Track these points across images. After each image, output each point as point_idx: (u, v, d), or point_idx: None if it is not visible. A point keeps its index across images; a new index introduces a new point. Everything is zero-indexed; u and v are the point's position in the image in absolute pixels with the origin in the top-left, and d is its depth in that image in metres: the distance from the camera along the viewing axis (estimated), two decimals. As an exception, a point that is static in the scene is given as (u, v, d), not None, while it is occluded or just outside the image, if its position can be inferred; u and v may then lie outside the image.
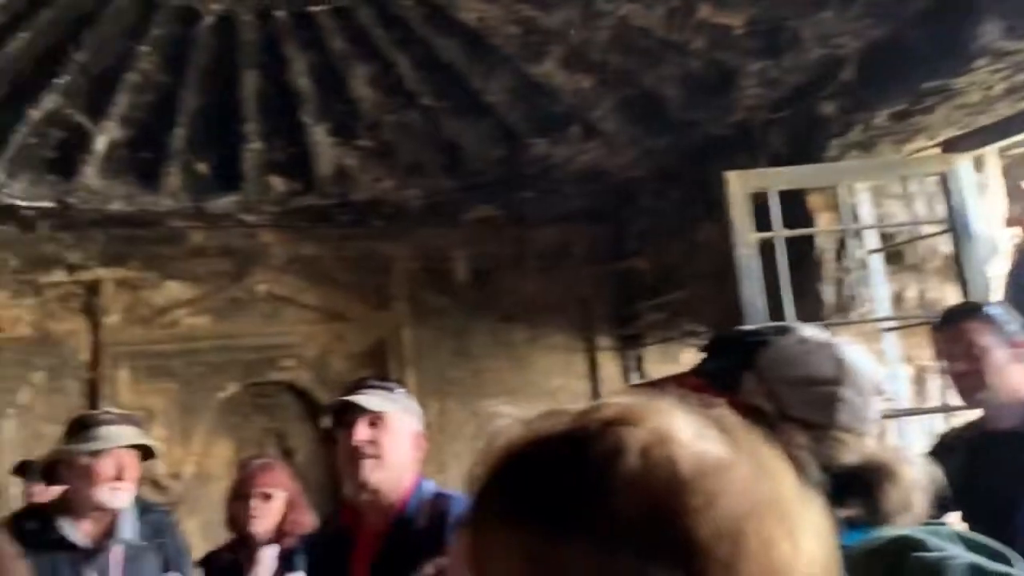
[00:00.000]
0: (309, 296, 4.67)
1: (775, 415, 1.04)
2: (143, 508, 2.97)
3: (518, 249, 4.87)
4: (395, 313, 4.74)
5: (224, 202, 4.16)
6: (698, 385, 1.09)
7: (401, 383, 2.62)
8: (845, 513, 0.97)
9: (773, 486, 0.63)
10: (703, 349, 1.20)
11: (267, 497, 2.88)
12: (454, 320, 4.78)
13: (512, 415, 0.74)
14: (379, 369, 4.56)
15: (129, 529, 2.80)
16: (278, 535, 2.86)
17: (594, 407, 0.67)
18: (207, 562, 3.03)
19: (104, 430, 2.78)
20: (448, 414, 4.66)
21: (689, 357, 4.62)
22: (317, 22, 3.36)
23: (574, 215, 4.79)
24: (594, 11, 3.21)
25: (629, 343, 4.83)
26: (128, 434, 2.81)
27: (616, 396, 0.71)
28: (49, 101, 3.46)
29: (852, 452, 1.03)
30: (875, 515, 0.99)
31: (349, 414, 2.29)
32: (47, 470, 2.87)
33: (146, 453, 2.92)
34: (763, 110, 3.58)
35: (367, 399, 2.26)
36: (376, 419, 2.24)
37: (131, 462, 2.77)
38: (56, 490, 2.94)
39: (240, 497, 2.91)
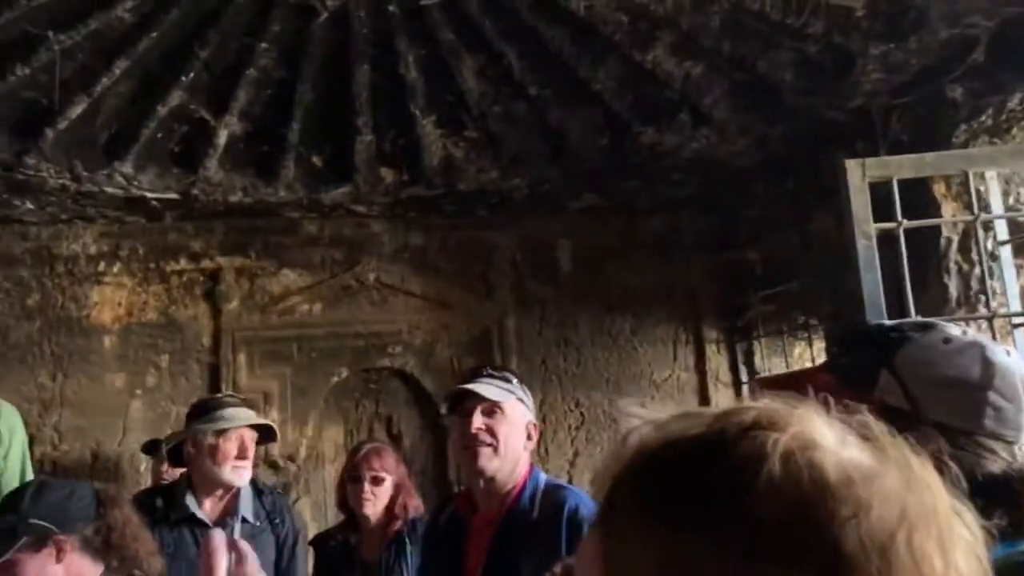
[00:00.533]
0: (416, 284, 4.75)
1: (912, 417, 0.99)
2: (259, 489, 3.10)
3: (624, 238, 4.82)
4: (499, 302, 4.77)
5: (337, 193, 4.27)
6: (829, 382, 1.05)
7: (514, 372, 2.63)
8: (990, 524, 0.92)
9: (923, 497, 0.60)
10: (836, 343, 1.16)
11: (378, 480, 2.95)
12: (558, 310, 4.78)
13: (642, 415, 0.74)
14: (484, 357, 4.61)
15: (248, 508, 2.94)
16: (387, 518, 2.94)
17: (731, 410, 0.66)
18: (319, 543, 3.14)
19: (227, 411, 2.92)
20: (551, 404, 4.67)
21: (801, 351, 4.49)
22: (428, 15, 3.40)
23: (682, 203, 4.70)
24: (706, -4, 3.13)
25: (738, 335, 4.72)
26: (249, 415, 2.94)
27: (754, 399, 0.69)
28: (175, 97, 3.63)
29: (999, 460, 0.97)
30: None
31: (466, 402, 2.32)
32: (173, 450, 3.02)
33: (262, 436, 3.05)
34: (885, 95, 3.41)
35: (484, 388, 2.29)
36: (493, 408, 2.26)
37: (251, 442, 2.90)
38: (180, 470, 3.10)
39: (352, 480, 2.99)
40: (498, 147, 4.14)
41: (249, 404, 3.12)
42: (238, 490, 2.93)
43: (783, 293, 4.34)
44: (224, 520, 2.88)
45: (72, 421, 4.31)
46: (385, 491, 2.96)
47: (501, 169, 4.21)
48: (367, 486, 2.94)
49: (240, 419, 2.92)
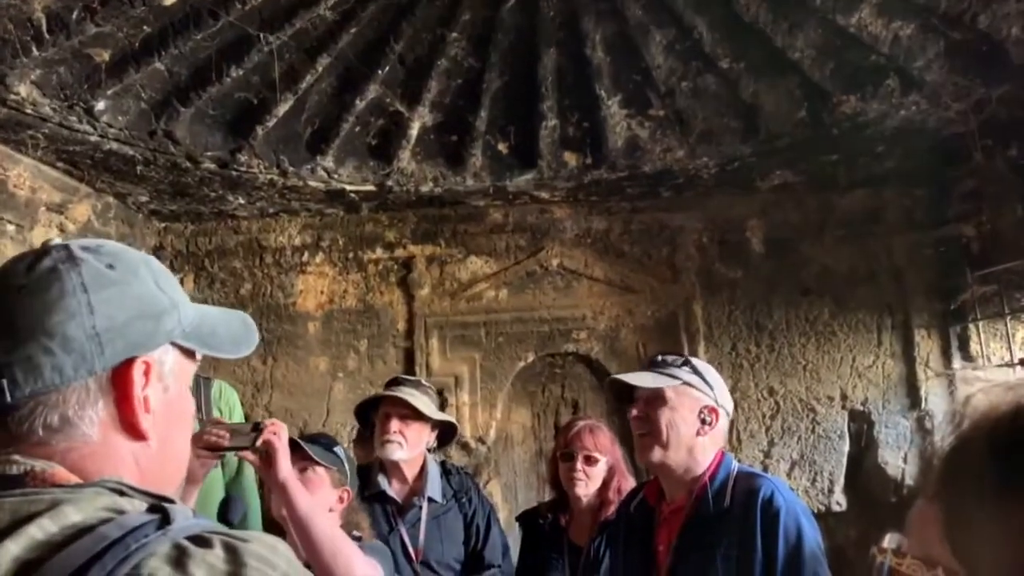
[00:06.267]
0: (599, 269, 4.71)
1: None
2: (447, 470, 3.17)
3: (821, 217, 4.55)
4: (685, 286, 4.65)
5: (521, 180, 4.29)
6: None
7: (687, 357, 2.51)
8: None
9: None
10: None
11: (591, 460, 2.89)
12: (749, 293, 4.59)
13: (984, 378, 0.66)
14: (670, 342, 4.52)
15: (435, 488, 3.02)
16: (600, 501, 2.88)
17: None
18: (526, 519, 3.15)
19: (398, 389, 3.01)
20: (743, 392, 4.50)
21: (1026, 335, 4.08)
22: (615, -8, 3.35)
23: (886, 178, 4.37)
24: (922, -53, 2.88)
25: (952, 319, 4.34)
26: (406, 392, 2.97)
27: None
28: (371, 91, 3.77)
29: None
30: None
31: (635, 392, 2.27)
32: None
33: (442, 425, 3.10)
34: None
35: (639, 377, 2.23)
36: (652, 396, 2.19)
37: (398, 419, 2.92)
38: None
39: (564, 457, 2.94)
40: (685, 125, 4.02)
41: (421, 386, 3.13)
42: (424, 470, 3.01)
43: (1005, 271, 3.96)
44: (412, 499, 2.98)
45: (281, 402, 4.60)
46: (599, 472, 2.88)
47: (688, 148, 4.09)
48: (579, 465, 2.86)
49: (389, 394, 2.98)
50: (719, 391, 2.25)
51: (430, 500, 2.99)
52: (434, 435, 3.08)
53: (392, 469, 3.01)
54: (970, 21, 3.18)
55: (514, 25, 3.55)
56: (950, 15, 3.20)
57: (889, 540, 0.64)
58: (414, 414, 2.93)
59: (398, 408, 2.93)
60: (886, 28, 3.33)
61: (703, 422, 2.18)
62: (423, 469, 3.04)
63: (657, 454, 2.17)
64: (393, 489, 3.00)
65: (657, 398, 2.19)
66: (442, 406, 4.40)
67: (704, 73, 3.78)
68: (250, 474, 3.54)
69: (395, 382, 3.14)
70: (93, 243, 0.94)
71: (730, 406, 2.28)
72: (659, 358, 2.31)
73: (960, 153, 4.04)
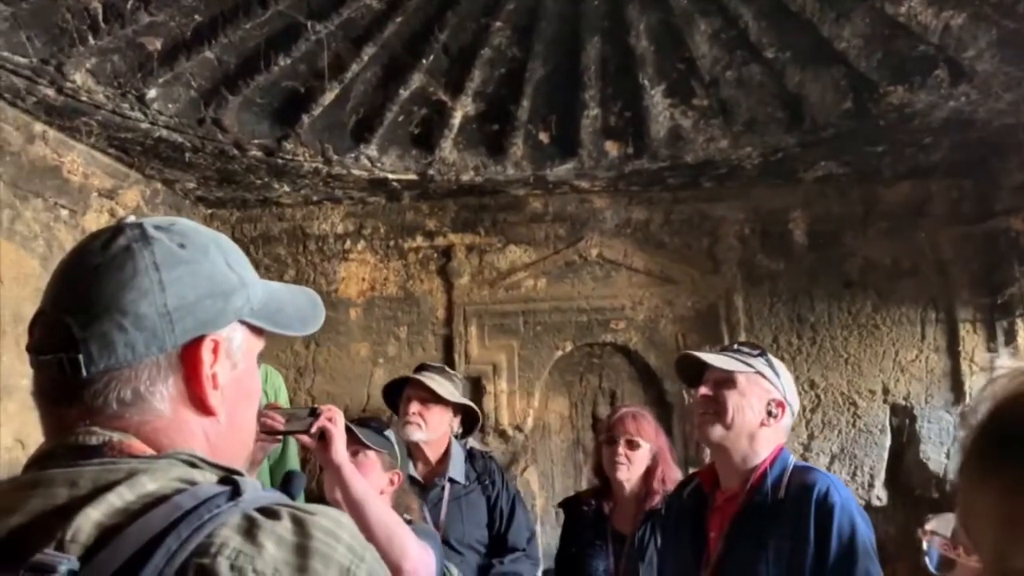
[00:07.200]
0: (639, 259, 4.71)
1: None
2: (472, 454, 3.25)
3: (864, 209, 4.50)
4: (726, 277, 4.62)
5: (561, 169, 4.30)
6: None
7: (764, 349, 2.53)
8: None
9: None
10: None
11: (633, 445, 2.91)
12: (790, 285, 4.56)
13: (1009, 364, 0.71)
14: (710, 334, 4.51)
15: (458, 470, 3.09)
16: (644, 489, 2.88)
17: None
18: (569, 506, 3.17)
19: (420, 375, 3.11)
20: (782, 383, 4.46)
21: (1075, 331, 4.00)
22: (661, -19, 3.34)
23: (932, 169, 4.31)
24: (976, -66, 2.83)
25: (998, 313, 4.27)
26: (427, 377, 3.10)
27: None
28: (415, 80, 3.80)
29: None
30: None
31: (704, 373, 2.29)
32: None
33: (464, 411, 3.21)
34: None
35: (717, 358, 2.24)
36: (725, 379, 2.21)
37: (419, 403, 3.06)
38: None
39: (607, 442, 2.97)
40: (729, 115, 4.00)
41: (446, 373, 3.26)
42: (448, 453, 3.09)
43: (1055, 266, 3.90)
44: (434, 480, 3.05)
45: (323, 386, 4.67)
46: (641, 458, 2.88)
47: (731, 138, 4.06)
48: (622, 449, 2.88)
49: (410, 376, 3.11)
50: (789, 389, 2.27)
51: (452, 481, 3.06)
52: (458, 419, 3.18)
53: (415, 450, 3.09)
54: (1022, 11, 3.12)
55: (558, 14, 3.55)
56: (1003, 4, 3.14)
57: (936, 523, 0.66)
58: (434, 397, 3.04)
59: (418, 391, 3.06)
60: (936, 17, 3.27)
61: (769, 414, 2.19)
62: (447, 452, 3.12)
63: (718, 432, 2.18)
64: (416, 470, 3.08)
65: (728, 380, 2.20)
66: (479, 394, 4.45)
67: (749, 63, 3.75)
68: (293, 453, 3.62)
69: (421, 368, 3.26)
70: (166, 221, 0.96)
71: (797, 406, 2.28)
72: (735, 345, 2.35)
73: (1010, 144, 3.98)
